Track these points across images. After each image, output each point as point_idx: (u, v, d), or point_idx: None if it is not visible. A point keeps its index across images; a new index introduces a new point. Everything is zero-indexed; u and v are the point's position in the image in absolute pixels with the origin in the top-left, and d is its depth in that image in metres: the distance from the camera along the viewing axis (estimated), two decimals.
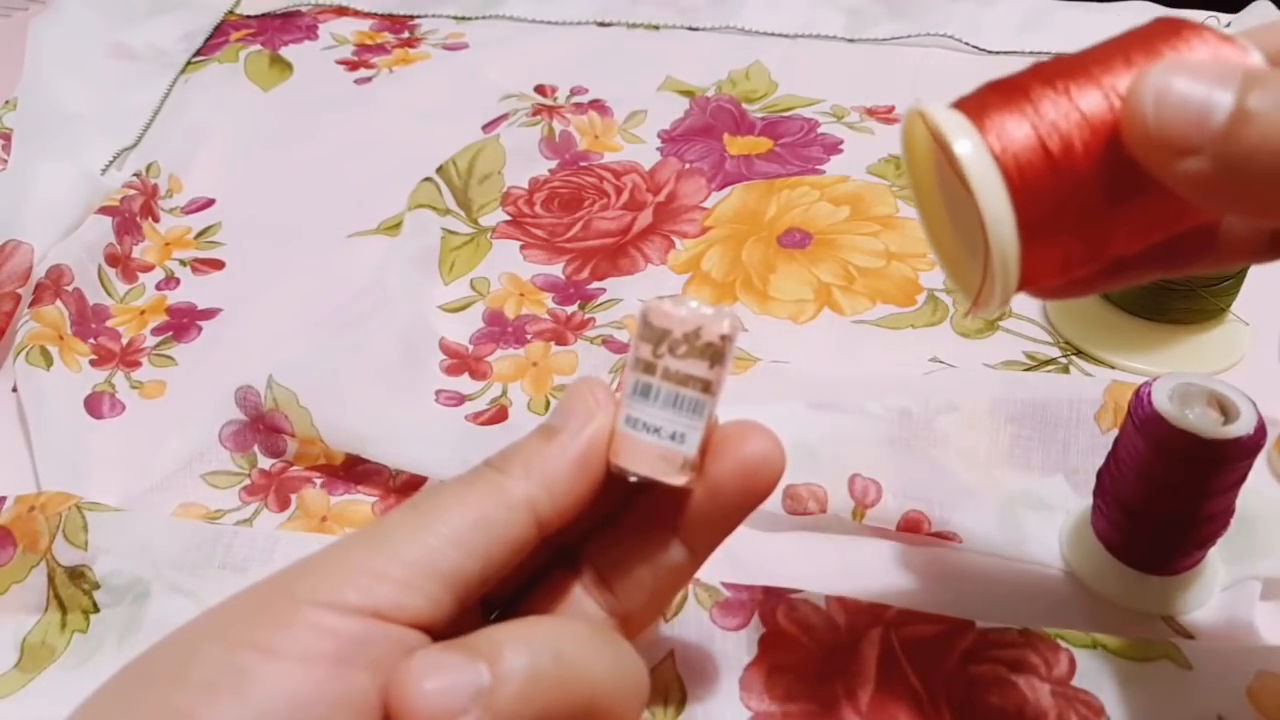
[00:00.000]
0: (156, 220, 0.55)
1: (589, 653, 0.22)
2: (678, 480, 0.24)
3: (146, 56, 0.67)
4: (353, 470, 0.41)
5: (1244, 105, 0.19)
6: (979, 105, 0.22)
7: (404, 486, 0.41)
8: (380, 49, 0.71)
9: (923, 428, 0.40)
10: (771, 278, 0.50)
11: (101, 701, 0.21)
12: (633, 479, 0.24)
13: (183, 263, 0.53)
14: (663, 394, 0.24)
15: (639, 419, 0.24)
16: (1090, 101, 0.21)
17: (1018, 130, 0.21)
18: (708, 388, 0.24)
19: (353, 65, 0.69)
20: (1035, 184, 0.21)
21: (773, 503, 0.37)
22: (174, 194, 0.57)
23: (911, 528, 0.37)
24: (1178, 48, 0.21)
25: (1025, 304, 0.48)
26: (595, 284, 0.50)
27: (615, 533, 0.26)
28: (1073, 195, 0.21)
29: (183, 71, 0.67)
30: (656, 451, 0.24)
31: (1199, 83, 0.20)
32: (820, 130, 0.60)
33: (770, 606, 0.34)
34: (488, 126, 0.61)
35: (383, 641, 0.21)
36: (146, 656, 0.22)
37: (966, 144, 0.21)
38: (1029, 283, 0.22)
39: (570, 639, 0.22)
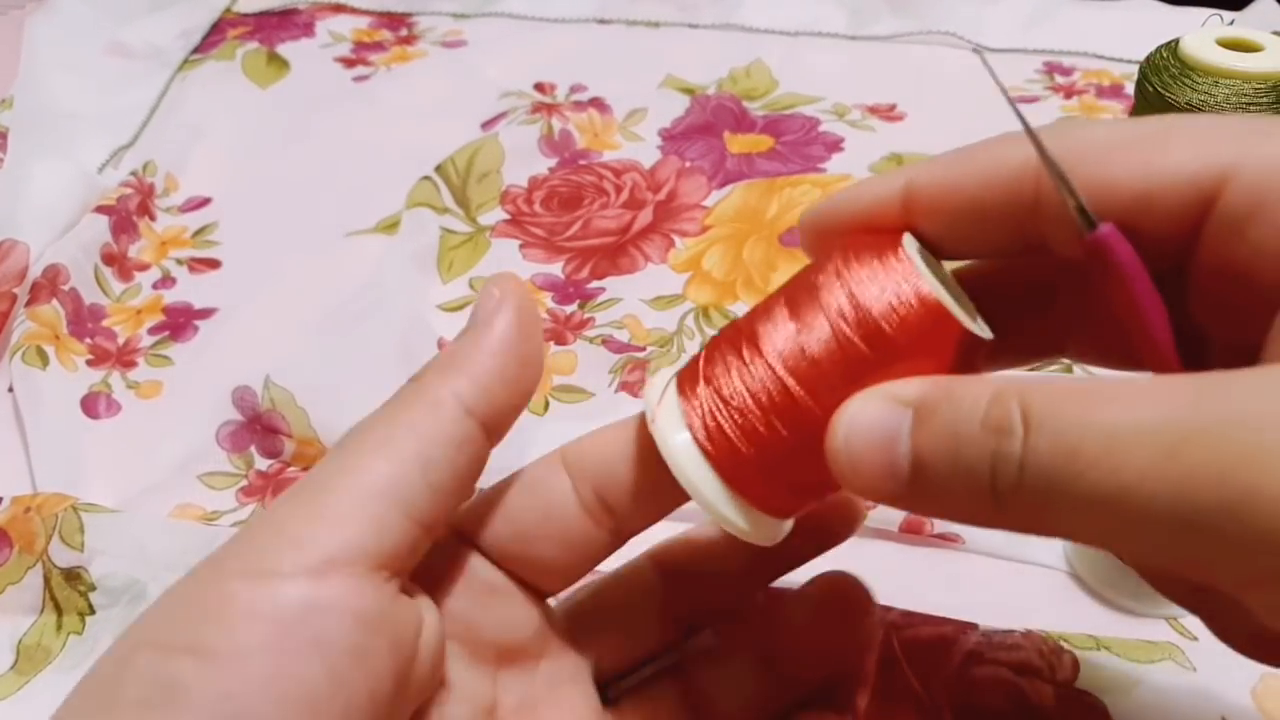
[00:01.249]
0: (153, 219, 0.55)
1: None
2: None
3: (143, 54, 0.67)
4: None
5: (919, 456, 0.19)
6: (691, 382, 0.23)
7: None
8: (378, 46, 0.70)
9: None
10: (773, 277, 0.50)
11: None
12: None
13: (179, 262, 0.53)
14: None
15: None
16: (768, 375, 0.22)
17: (719, 413, 0.22)
18: None
19: (350, 63, 0.69)
20: (746, 462, 0.22)
21: None
22: (170, 192, 0.57)
23: (913, 529, 0.37)
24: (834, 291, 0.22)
25: None
26: (595, 283, 0.50)
27: (687, 555, 0.28)
28: (789, 460, 0.22)
29: (180, 69, 0.67)
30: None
31: (880, 440, 0.20)
32: (822, 128, 0.60)
33: None
34: (486, 124, 0.60)
35: (328, 613, 0.19)
36: (91, 674, 0.20)
37: (669, 447, 0.22)
38: (788, 516, 0.24)
39: None
